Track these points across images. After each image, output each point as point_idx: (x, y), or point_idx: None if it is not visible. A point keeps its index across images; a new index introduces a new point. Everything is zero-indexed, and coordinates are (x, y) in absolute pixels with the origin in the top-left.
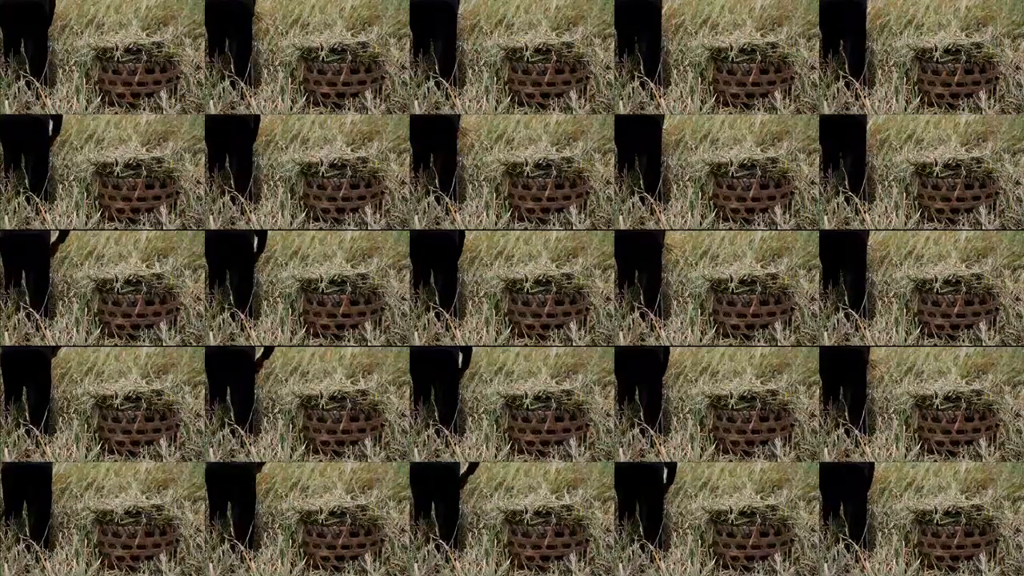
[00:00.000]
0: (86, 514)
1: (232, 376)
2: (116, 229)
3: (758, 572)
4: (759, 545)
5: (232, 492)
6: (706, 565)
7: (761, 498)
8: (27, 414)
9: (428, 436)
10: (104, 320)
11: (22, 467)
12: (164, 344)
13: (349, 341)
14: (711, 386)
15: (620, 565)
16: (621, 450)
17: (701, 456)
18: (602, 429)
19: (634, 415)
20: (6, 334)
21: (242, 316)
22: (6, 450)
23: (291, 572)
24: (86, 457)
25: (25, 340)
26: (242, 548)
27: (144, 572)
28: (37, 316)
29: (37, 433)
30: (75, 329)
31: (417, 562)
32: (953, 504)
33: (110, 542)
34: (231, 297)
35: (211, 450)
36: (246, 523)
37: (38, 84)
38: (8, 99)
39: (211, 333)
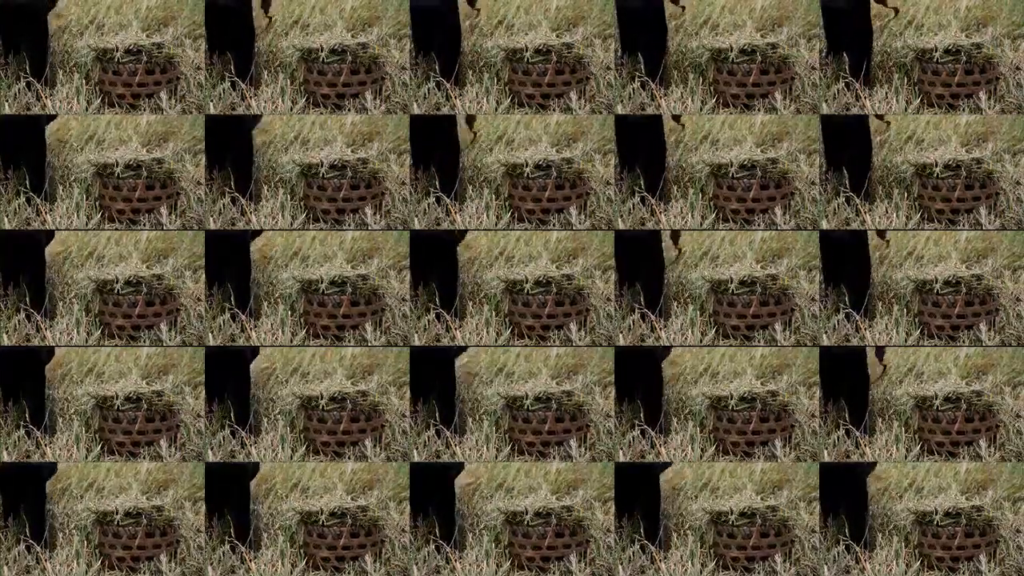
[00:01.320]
0: (86, 515)
1: (232, 377)
2: (116, 229)
3: (758, 573)
4: (759, 546)
5: (232, 493)
6: (706, 566)
7: (761, 499)
8: (27, 415)
9: (428, 437)
10: (104, 321)
11: (22, 467)
12: (164, 344)
13: (349, 342)
14: (711, 387)
15: (620, 566)
16: (621, 451)
17: (701, 457)
18: (602, 430)
19: (634, 416)
20: (5, 335)
21: (243, 317)
22: (6, 451)
23: (291, 573)
24: (86, 458)
25: (25, 341)
26: (242, 549)
27: (144, 573)
28: (37, 317)
29: (37, 434)
30: (75, 330)
31: (417, 563)
32: (953, 505)
33: (110, 543)
34: (232, 298)
35: (211, 451)
36: (246, 524)
37: (38, 85)
38: (8, 100)
39: (211, 334)
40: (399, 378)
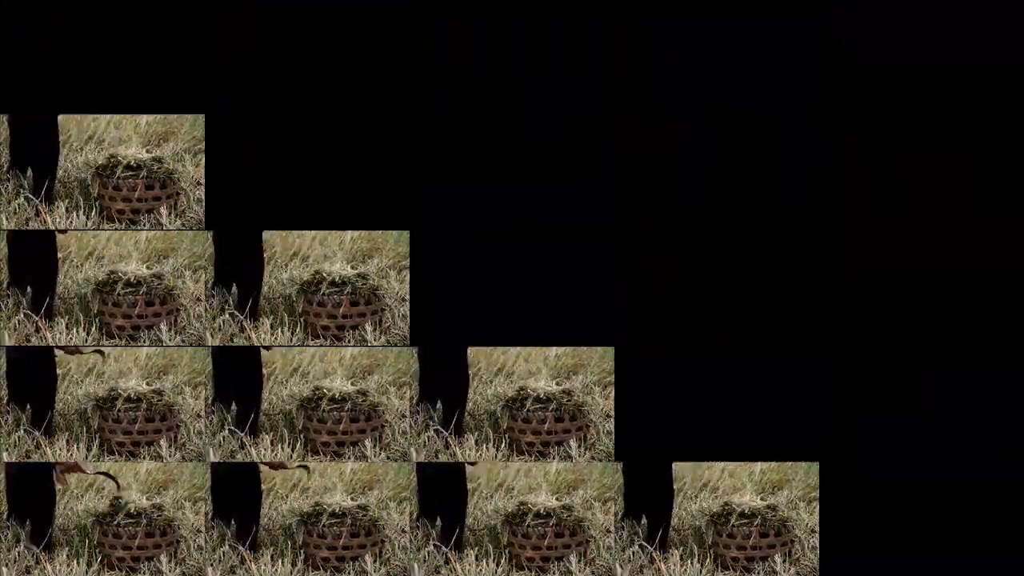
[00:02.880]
0: (86, 515)
1: (232, 377)
2: (116, 229)
3: (758, 573)
4: (759, 546)
5: (233, 493)
6: (706, 566)
7: (761, 499)
8: (28, 415)
9: (428, 437)
10: (104, 322)
11: (22, 468)
12: (164, 344)
13: (349, 342)
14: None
15: (620, 567)
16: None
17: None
18: (602, 430)
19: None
20: (6, 335)
21: (242, 317)
22: (6, 451)
23: (291, 573)
24: (86, 458)
25: (25, 341)
26: (243, 549)
27: (144, 573)
28: (36, 317)
29: (37, 434)
30: (75, 330)
31: (417, 563)
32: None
33: (110, 543)
34: (231, 301)
35: (211, 451)
36: (247, 524)
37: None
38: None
39: (211, 335)
40: (399, 379)
